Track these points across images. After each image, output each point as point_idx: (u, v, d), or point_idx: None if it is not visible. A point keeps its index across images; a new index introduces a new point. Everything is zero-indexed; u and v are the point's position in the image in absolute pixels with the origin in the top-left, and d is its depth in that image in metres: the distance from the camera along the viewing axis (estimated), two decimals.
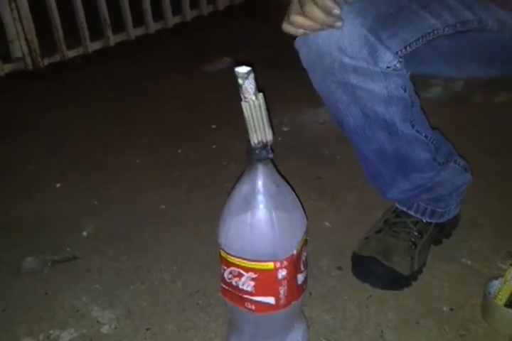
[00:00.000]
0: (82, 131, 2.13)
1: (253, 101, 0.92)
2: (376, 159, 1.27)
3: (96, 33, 2.79)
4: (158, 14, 3.00)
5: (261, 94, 0.93)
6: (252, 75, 0.90)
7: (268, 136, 0.96)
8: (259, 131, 0.95)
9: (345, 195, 1.69)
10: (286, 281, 1.05)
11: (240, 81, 0.90)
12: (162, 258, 1.47)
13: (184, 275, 1.41)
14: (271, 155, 0.98)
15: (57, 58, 2.69)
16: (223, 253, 1.06)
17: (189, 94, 2.38)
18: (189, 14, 3.11)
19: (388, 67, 1.07)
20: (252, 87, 0.91)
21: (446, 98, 2.24)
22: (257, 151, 0.96)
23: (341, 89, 1.14)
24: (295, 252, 1.04)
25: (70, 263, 1.47)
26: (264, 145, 0.96)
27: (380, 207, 1.48)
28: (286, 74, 2.41)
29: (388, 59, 1.06)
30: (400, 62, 1.07)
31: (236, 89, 0.91)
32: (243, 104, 0.93)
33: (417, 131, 1.22)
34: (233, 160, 1.87)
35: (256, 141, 0.96)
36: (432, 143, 1.26)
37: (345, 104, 1.17)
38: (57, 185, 1.81)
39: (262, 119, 0.94)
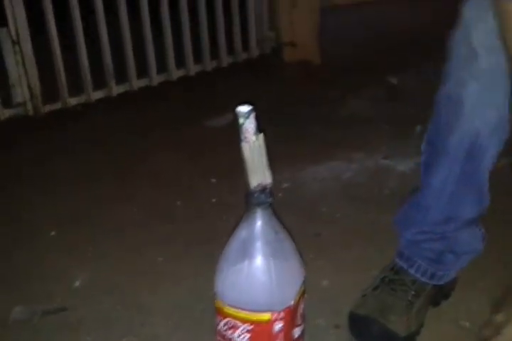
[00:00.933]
0: (81, 180, 2.11)
1: (253, 141, 0.91)
2: (441, 180, 1.29)
3: (99, 82, 2.81)
4: (162, 66, 3.03)
5: (261, 135, 0.92)
6: (253, 115, 0.89)
7: (267, 179, 0.95)
8: (259, 173, 0.93)
9: (345, 253, 1.66)
10: (282, 334, 1.03)
11: (241, 120, 0.89)
12: (157, 312, 1.43)
13: (179, 330, 1.37)
14: (270, 200, 0.96)
15: (58, 105, 2.69)
16: (219, 303, 1.04)
17: (190, 147, 2.38)
18: (193, 68, 3.14)
19: None
20: (253, 126, 0.89)
21: None
22: (256, 195, 0.94)
23: None
24: (292, 303, 1.02)
25: (60, 314, 1.43)
26: (264, 189, 0.95)
27: (379, 266, 1.46)
28: (286, 131, 2.42)
29: None
30: None
31: (237, 144, 0.91)
32: (243, 144, 0.91)
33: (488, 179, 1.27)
34: (232, 215, 1.84)
35: (255, 184, 0.94)
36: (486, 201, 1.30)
37: None
38: (52, 233, 1.78)
39: (262, 161, 0.93)
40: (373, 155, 2.21)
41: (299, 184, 2.07)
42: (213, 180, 2.10)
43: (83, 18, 2.71)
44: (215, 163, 2.21)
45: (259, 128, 0.92)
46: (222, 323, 1.05)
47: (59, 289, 1.52)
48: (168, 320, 1.40)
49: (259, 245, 0.99)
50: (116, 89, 2.86)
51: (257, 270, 1.00)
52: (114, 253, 1.68)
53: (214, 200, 1.96)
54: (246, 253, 1.00)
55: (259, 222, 0.98)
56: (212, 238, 1.71)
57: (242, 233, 1.01)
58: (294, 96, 2.91)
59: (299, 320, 1.07)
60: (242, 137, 0.91)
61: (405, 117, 2.45)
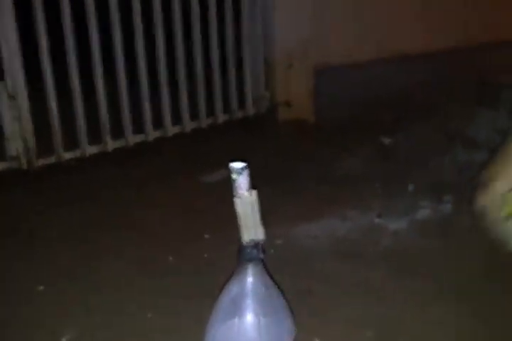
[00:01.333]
0: (73, 235, 2.10)
1: (246, 197, 0.91)
2: None
3: (94, 137, 2.81)
4: (157, 122, 3.04)
5: (254, 192, 0.93)
6: (246, 171, 0.90)
7: (259, 235, 0.95)
8: (251, 229, 0.94)
9: (336, 310, 1.64)
10: None
11: (235, 176, 0.90)
12: None
13: None
14: (262, 255, 0.96)
15: (52, 160, 2.68)
16: None
17: (184, 202, 2.38)
18: (188, 125, 3.16)
19: None
20: (246, 183, 0.91)
21: (434, 220, 2.23)
22: (248, 250, 0.95)
23: None
24: None
25: None
26: (256, 245, 0.95)
27: (370, 324, 1.46)
28: (281, 187, 2.43)
29: None
30: None
31: (231, 200, 0.91)
32: (236, 199, 0.92)
33: None
34: (224, 271, 1.82)
35: (247, 239, 0.94)
36: None
37: None
38: (40, 288, 1.76)
39: (255, 217, 0.93)
40: (367, 212, 2.21)
41: (292, 240, 2.06)
42: (206, 236, 2.09)
43: (81, 73, 2.72)
44: (208, 218, 2.21)
45: (253, 185, 0.92)
46: None
47: None
48: None
49: (249, 302, 0.99)
50: (112, 145, 2.86)
51: (247, 327, 0.99)
52: (102, 309, 1.66)
53: (206, 256, 1.95)
54: (236, 309, 1.00)
55: (250, 278, 0.98)
56: (202, 293, 1.69)
57: (233, 289, 1.01)
58: (288, 153, 2.93)
59: None
60: (235, 193, 0.92)
61: (398, 176, 2.46)
